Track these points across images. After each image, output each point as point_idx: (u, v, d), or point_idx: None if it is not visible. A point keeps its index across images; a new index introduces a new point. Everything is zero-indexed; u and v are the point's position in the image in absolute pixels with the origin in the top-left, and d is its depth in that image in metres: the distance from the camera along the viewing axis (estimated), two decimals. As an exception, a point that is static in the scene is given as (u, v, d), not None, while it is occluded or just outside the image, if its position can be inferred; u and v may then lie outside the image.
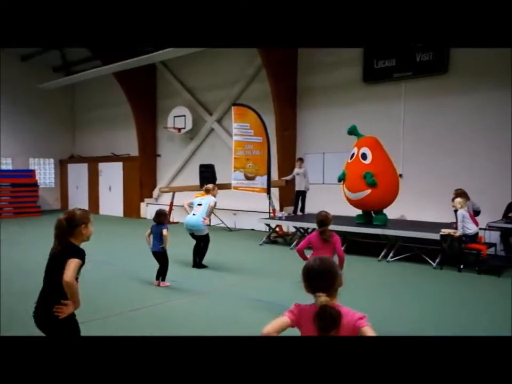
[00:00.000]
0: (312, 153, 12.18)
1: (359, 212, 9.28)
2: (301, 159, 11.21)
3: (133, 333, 4.31)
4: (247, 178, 10.65)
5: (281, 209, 12.31)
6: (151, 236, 6.49)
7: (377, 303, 5.63)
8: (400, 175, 10.52)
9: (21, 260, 8.19)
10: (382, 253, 8.46)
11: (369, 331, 2.00)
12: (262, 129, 10.44)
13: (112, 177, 16.95)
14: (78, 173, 18.37)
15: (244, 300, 5.74)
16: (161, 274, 6.49)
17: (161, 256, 6.49)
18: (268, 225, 10.46)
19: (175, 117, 14.74)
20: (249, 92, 13.35)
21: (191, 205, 7.73)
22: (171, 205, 14.05)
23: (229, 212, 12.99)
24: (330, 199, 10.34)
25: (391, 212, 9.48)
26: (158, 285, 6.43)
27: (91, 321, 4.60)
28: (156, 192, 15.98)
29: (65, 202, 19.11)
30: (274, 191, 12.42)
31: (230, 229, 12.41)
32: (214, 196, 7.85)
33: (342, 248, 4.93)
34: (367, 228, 8.75)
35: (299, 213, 11.12)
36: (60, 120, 19.10)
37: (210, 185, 8.06)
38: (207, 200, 7.71)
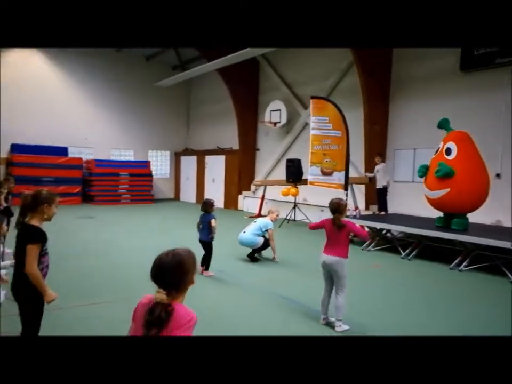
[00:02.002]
0: (403, 149, 11.36)
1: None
2: (379, 155, 10.55)
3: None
4: (324, 173, 10.36)
5: (366, 207, 11.75)
6: (200, 226, 6.74)
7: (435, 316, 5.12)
8: (498, 175, 9.31)
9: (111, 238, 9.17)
10: (456, 261, 7.60)
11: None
12: (341, 123, 10.05)
13: (216, 169, 17.82)
14: (188, 165, 19.69)
15: (269, 295, 5.67)
16: (206, 262, 6.69)
17: (207, 246, 6.69)
18: (343, 223, 10.05)
19: (271, 111, 14.93)
20: (343, 85, 12.93)
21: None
22: (262, 198, 14.32)
23: (317, 208, 12.78)
24: (420, 198, 9.53)
25: (486, 216, 8.47)
26: (201, 273, 6.63)
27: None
28: (252, 186, 16.40)
29: (177, 192, 20.65)
30: (361, 188, 11.89)
31: (314, 225, 12.19)
32: (272, 220, 7.83)
33: (366, 230, 4.57)
34: (443, 232, 7.89)
35: (377, 212, 10.51)
36: (176, 116, 20.66)
37: (273, 209, 8.09)
38: (261, 221, 7.74)
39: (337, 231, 4.44)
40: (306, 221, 12.44)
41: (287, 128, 14.83)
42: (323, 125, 10.27)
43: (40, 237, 3.13)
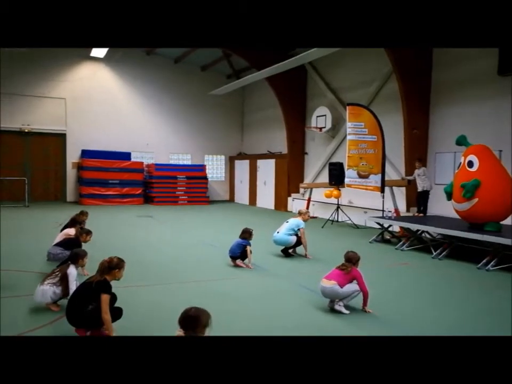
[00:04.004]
0: (443, 153, 11.56)
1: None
2: (419, 160, 10.85)
3: (191, 298, 5.46)
4: (360, 176, 10.83)
5: (407, 209, 12.05)
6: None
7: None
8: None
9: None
10: (484, 261, 7.85)
11: None
12: (377, 128, 10.49)
13: (266, 172, 18.64)
14: (242, 168, 20.67)
15: (294, 285, 6.36)
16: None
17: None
18: (380, 224, 10.45)
19: (317, 116, 15.52)
20: (385, 90, 13.29)
21: None
22: (309, 200, 14.95)
23: (360, 210, 13.20)
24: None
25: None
26: (235, 263, 7.43)
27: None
28: (301, 188, 17.04)
29: (232, 194, 21.70)
30: (402, 190, 12.21)
31: (356, 226, 12.65)
32: (304, 220, 8.38)
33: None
34: (475, 233, 8.09)
35: (415, 214, 10.79)
36: (231, 122, 21.75)
37: (303, 210, 8.68)
38: (293, 221, 8.35)
39: (341, 271, 5.02)
40: (349, 222, 12.90)
41: (332, 133, 15.35)
42: (359, 130, 10.77)
43: (110, 290, 4.09)
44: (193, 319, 2.90)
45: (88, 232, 6.87)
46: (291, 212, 16.85)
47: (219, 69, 20.47)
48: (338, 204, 13.15)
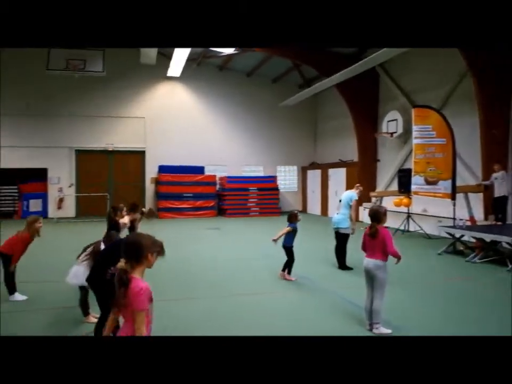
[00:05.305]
0: (526, 154, 10.42)
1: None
2: (499, 162, 9.85)
3: (231, 315, 5.42)
4: (428, 182, 10.08)
5: (485, 217, 10.99)
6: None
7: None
8: None
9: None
10: None
11: (137, 319, 2.44)
12: (446, 130, 9.74)
13: (338, 182, 18.13)
14: (314, 178, 20.33)
15: (339, 303, 6.02)
16: (288, 267, 7.28)
17: (287, 251, 7.29)
18: (451, 234, 9.61)
19: (388, 121, 14.83)
20: (460, 90, 12.34)
21: None
22: (380, 209, 14.24)
23: (434, 219, 12.29)
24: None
25: None
26: (283, 277, 7.24)
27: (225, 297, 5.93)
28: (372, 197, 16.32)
29: (304, 204, 21.40)
30: (480, 196, 11.17)
31: (428, 236, 11.79)
32: (357, 193, 8.00)
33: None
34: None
35: (493, 221, 9.78)
36: (303, 132, 21.55)
37: (357, 184, 8.33)
38: (346, 195, 7.99)
39: (371, 238, 4.65)
40: (421, 231, 12.07)
41: (404, 138, 14.55)
42: (426, 133, 10.07)
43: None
44: (132, 244, 2.63)
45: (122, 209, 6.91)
46: (362, 221, 16.18)
47: (290, 80, 20.42)
48: (408, 213, 12.37)
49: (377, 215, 4.69)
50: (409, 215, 12.34)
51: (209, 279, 7.26)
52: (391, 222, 13.83)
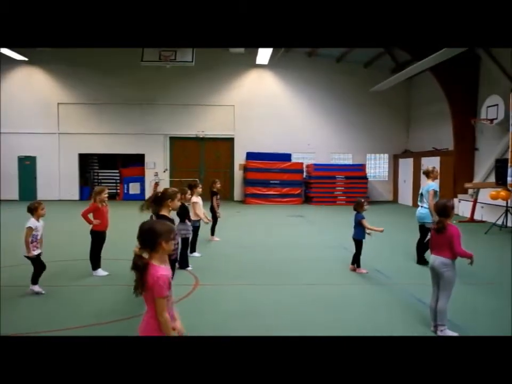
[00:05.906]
0: None
1: None
2: None
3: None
4: (527, 175, 9.15)
5: None
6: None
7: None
8: None
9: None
10: None
11: (157, 305, 2.51)
12: (552, 117, 8.73)
13: (431, 171, 17.12)
14: (406, 167, 19.43)
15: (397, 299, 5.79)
16: (355, 260, 7.12)
17: (357, 243, 7.12)
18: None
19: (487, 107, 13.68)
20: None
21: None
22: (475, 202, 13.29)
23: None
24: None
25: None
26: (354, 270, 7.10)
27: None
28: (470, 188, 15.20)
29: (395, 194, 20.57)
30: None
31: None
32: (434, 179, 7.46)
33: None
34: None
35: None
36: (395, 119, 20.62)
37: (430, 168, 7.64)
38: (424, 188, 7.54)
39: (437, 233, 4.38)
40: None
41: (506, 125, 13.29)
42: (527, 121, 9.11)
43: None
44: (146, 232, 2.64)
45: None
46: (457, 214, 15.17)
47: (382, 64, 19.58)
48: (507, 206, 11.37)
49: (446, 210, 4.39)
50: (507, 209, 11.35)
51: (274, 267, 7.34)
52: (491, 216, 12.87)
